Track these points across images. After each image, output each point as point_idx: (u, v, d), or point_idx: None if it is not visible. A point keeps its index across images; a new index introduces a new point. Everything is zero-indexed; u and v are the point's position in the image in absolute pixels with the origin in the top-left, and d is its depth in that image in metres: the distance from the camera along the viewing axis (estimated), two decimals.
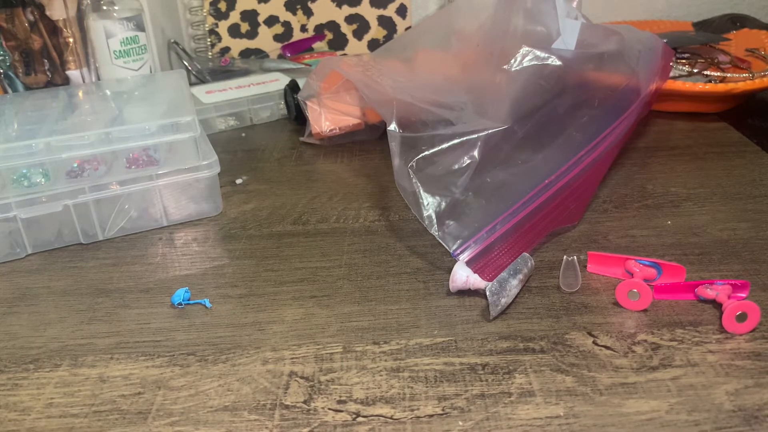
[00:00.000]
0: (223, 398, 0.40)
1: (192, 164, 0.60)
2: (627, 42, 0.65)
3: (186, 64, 0.97)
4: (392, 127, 0.57)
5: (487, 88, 0.60)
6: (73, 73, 0.85)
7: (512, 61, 0.57)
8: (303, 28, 1.04)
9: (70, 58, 0.84)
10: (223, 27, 1.04)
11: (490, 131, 0.54)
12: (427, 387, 0.40)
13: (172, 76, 0.75)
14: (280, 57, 1.03)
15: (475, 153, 0.54)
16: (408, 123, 0.57)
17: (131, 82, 0.75)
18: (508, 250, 0.51)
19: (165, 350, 0.45)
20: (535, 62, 0.57)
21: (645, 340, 0.43)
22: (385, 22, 1.04)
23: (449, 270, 0.49)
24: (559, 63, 0.58)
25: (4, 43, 0.81)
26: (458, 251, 0.50)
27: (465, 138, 0.54)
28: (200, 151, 0.60)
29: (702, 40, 0.91)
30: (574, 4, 0.68)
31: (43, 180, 0.57)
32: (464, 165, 0.54)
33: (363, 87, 0.66)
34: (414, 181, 0.53)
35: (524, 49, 0.57)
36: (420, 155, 0.54)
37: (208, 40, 1.04)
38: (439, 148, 0.54)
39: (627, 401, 0.38)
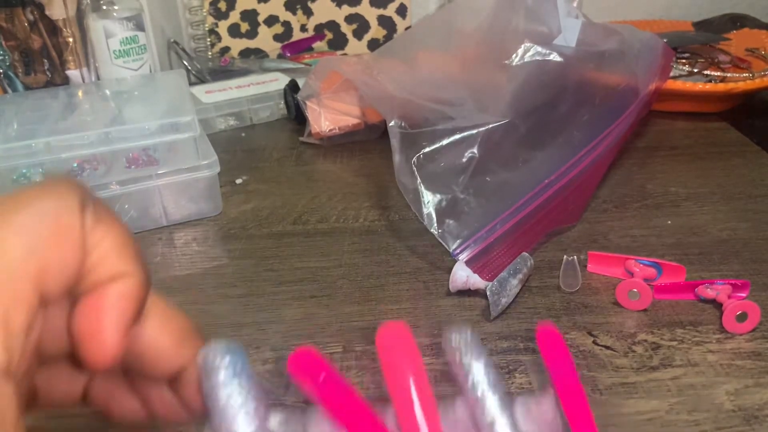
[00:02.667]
0: None
1: (192, 164, 0.60)
2: (627, 41, 0.65)
3: (186, 63, 0.97)
4: (392, 123, 0.57)
5: (487, 83, 0.60)
6: (73, 73, 0.85)
7: (513, 56, 0.57)
8: (303, 28, 1.04)
9: (70, 57, 0.84)
10: (222, 27, 1.04)
11: (490, 126, 0.54)
12: None
13: (172, 75, 0.75)
14: (280, 57, 1.03)
15: (476, 149, 0.54)
16: (408, 119, 0.57)
17: (131, 81, 0.75)
18: (507, 249, 0.51)
19: None
20: (537, 58, 0.57)
21: (645, 340, 0.43)
22: (385, 22, 1.04)
23: (449, 270, 0.49)
24: (560, 59, 0.58)
25: (3, 42, 0.80)
26: (458, 251, 0.50)
27: (466, 133, 0.54)
28: (200, 151, 0.60)
29: (702, 40, 0.91)
30: (575, 3, 0.68)
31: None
32: (465, 161, 0.54)
33: (362, 85, 0.66)
34: (416, 176, 0.53)
35: (526, 45, 0.57)
36: (421, 151, 0.54)
37: (208, 39, 1.04)
38: (440, 144, 0.54)
39: (627, 401, 0.38)
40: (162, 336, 0.25)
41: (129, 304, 0.23)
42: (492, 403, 0.24)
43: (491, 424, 0.24)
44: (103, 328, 0.22)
